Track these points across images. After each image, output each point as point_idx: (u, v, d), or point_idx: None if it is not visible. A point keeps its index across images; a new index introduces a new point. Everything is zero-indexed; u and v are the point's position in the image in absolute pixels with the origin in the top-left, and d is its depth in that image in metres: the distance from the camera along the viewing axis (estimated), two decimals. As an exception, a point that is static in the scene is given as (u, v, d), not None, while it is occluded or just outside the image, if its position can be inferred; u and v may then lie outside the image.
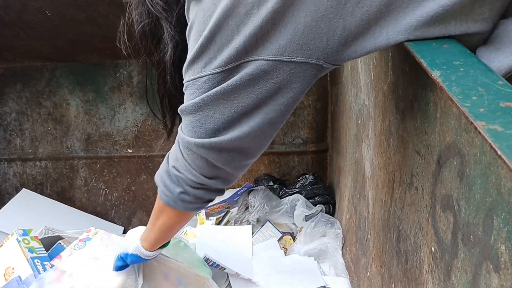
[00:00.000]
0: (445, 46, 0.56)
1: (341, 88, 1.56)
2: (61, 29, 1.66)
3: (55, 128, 1.97)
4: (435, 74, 0.49)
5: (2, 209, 1.76)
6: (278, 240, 1.58)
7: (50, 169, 2.00)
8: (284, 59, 0.58)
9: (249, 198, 1.72)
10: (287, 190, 1.79)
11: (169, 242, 1.01)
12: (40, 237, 1.30)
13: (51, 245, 1.31)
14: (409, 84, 0.66)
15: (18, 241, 1.22)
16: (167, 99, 0.81)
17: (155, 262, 1.07)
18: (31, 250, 1.22)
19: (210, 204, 1.77)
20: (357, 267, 1.23)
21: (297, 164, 1.96)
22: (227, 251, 1.40)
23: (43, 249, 1.25)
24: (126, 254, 0.98)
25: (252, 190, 1.76)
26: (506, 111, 0.41)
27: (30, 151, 1.99)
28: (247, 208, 1.72)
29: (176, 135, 0.73)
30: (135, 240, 0.98)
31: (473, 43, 0.59)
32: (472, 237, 0.44)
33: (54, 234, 1.33)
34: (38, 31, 1.67)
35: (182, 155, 0.69)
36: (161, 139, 0.91)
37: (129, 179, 1.99)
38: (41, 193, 1.97)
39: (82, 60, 1.89)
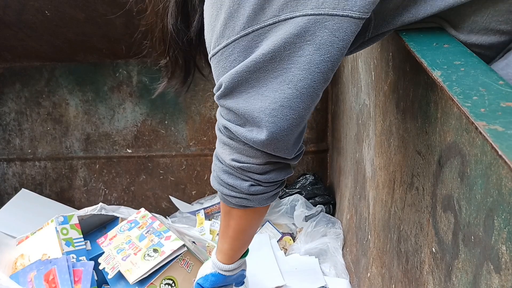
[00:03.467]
0: (445, 46, 0.55)
1: (342, 88, 1.56)
2: (60, 29, 1.66)
3: (54, 128, 1.97)
4: (436, 74, 0.49)
5: (1, 209, 1.75)
6: (277, 241, 1.57)
7: (49, 169, 2.00)
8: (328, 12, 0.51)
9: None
10: (287, 191, 1.79)
11: (248, 250, 0.90)
12: (94, 212, 1.28)
13: (109, 220, 1.31)
14: (410, 84, 0.66)
15: (57, 231, 1.20)
16: (168, 42, 0.73)
17: None
18: (68, 242, 1.20)
19: (209, 204, 1.78)
20: (357, 267, 1.23)
21: (297, 164, 1.95)
22: (252, 260, 1.37)
23: (82, 240, 1.23)
24: (205, 277, 0.88)
25: (252, 190, 1.76)
26: (507, 111, 0.41)
27: (29, 151, 1.99)
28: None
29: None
30: (209, 261, 0.88)
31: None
32: (473, 237, 0.44)
33: (108, 213, 1.32)
34: (37, 31, 1.67)
35: (238, 143, 0.62)
36: (161, 84, 0.81)
37: (128, 179, 1.99)
38: (40, 193, 1.97)
39: (82, 60, 1.88)
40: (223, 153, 0.65)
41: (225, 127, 0.62)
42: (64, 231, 1.22)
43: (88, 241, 1.28)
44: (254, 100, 0.56)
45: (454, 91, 0.45)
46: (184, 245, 1.10)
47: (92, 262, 1.16)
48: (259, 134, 0.58)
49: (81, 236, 1.24)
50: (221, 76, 0.59)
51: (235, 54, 0.56)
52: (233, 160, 0.64)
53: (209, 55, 0.61)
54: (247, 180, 0.65)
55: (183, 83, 0.80)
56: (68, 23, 1.62)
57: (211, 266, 0.88)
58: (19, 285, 1.07)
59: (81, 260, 1.18)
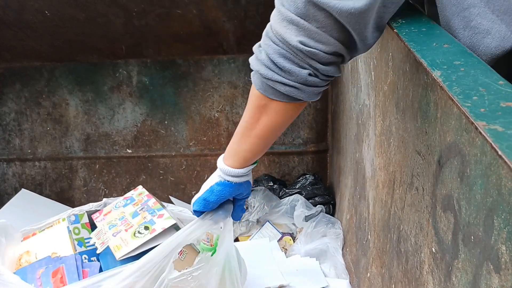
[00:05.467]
0: (445, 46, 0.55)
1: (342, 88, 1.56)
2: (60, 29, 1.66)
3: (54, 128, 1.97)
4: (436, 74, 0.49)
5: (1, 209, 1.75)
6: (278, 241, 1.57)
7: (49, 169, 2.00)
8: None
9: (248, 198, 1.72)
10: (287, 191, 1.79)
11: (257, 161, 0.80)
12: (98, 208, 1.27)
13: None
14: (410, 84, 0.66)
15: (69, 230, 1.18)
16: None
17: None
18: (80, 242, 1.17)
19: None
20: (357, 267, 1.23)
21: (297, 164, 1.96)
22: (252, 261, 1.34)
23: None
24: (209, 190, 0.79)
25: (252, 190, 1.76)
26: (507, 111, 0.41)
27: (29, 151, 1.99)
28: (246, 208, 1.71)
29: None
30: (213, 175, 0.79)
31: None
32: (472, 237, 0.44)
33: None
34: (37, 31, 1.67)
35: (311, 25, 0.56)
36: None
37: (128, 180, 1.99)
38: (40, 193, 1.97)
39: (81, 60, 1.88)
40: (287, 33, 0.58)
41: (311, 1, 0.55)
42: (76, 231, 1.19)
43: None
44: None
45: (454, 91, 0.45)
46: (175, 224, 1.09)
47: (99, 264, 1.15)
48: (357, 2, 0.54)
49: (91, 236, 1.23)
50: None
51: None
52: (301, 42, 0.57)
53: None
54: (306, 68, 0.59)
55: None
56: (68, 23, 1.63)
57: (216, 176, 0.79)
58: (27, 281, 1.06)
59: (93, 260, 1.16)
